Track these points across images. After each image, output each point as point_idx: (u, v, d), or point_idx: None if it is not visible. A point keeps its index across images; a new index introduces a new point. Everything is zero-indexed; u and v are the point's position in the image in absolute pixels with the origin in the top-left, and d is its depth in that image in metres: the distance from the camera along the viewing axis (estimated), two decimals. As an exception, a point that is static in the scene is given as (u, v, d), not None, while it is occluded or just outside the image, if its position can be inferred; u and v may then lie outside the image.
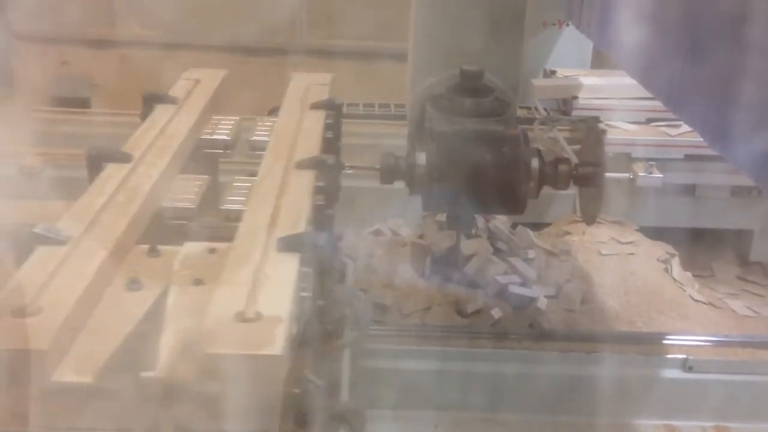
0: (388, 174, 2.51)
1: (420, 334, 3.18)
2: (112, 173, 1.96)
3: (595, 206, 2.56)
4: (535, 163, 2.46)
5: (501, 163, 2.42)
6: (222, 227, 1.90)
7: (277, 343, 1.35)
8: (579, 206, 2.71)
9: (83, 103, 5.09)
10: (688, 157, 3.96)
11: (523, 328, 3.25)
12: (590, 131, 2.67)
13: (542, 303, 3.34)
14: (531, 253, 3.59)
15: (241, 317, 1.42)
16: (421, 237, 3.64)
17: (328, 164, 2.07)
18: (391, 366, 3.02)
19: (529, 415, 3.10)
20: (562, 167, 2.51)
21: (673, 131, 4.02)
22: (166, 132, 2.25)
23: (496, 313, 3.27)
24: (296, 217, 1.79)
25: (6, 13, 4.80)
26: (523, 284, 3.41)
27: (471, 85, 2.60)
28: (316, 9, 5.21)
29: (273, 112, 4.28)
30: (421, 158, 2.46)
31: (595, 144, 2.59)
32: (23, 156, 3.75)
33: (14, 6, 4.90)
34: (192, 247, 1.75)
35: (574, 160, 3.94)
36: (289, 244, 1.64)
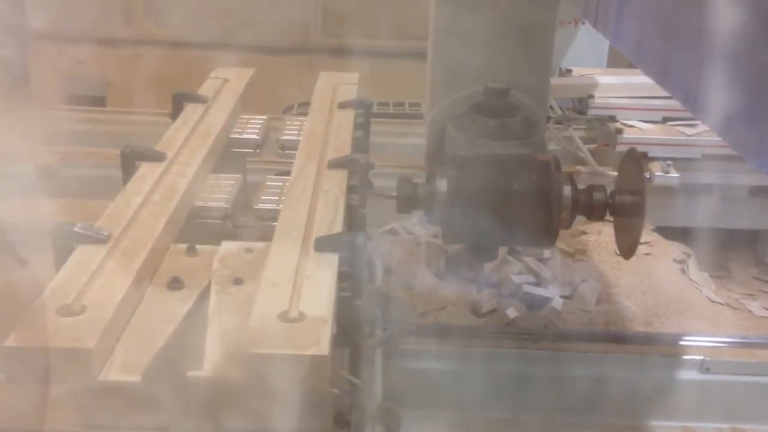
0: (406, 202, 2.30)
1: (434, 333, 3.17)
2: (147, 172, 1.98)
3: (634, 238, 2.31)
4: (567, 191, 2.26)
5: (530, 191, 2.22)
6: (256, 227, 1.92)
7: (322, 343, 1.36)
8: (615, 238, 2.44)
9: (99, 102, 5.11)
10: (706, 157, 3.94)
11: (539, 328, 3.23)
12: (628, 156, 2.39)
13: (558, 303, 3.32)
14: (546, 253, 3.57)
15: (285, 317, 1.43)
16: (436, 236, 3.63)
17: (360, 163, 2.07)
18: (403, 365, 3.01)
19: (545, 415, 3.08)
20: (597, 195, 2.30)
21: (690, 131, 4.00)
22: (197, 131, 2.27)
23: (511, 313, 3.25)
24: (332, 216, 1.81)
25: (23, 12, 4.82)
26: (538, 284, 3.40)
27: (496, 104, 2.41)
28: (330, 8, 5.21)
29: (288, 110, 4.31)
30: (441, 185, 2.25)
31: (634, 171, 2.34)
32: (39, 154, 3.76)
33: (30, 5, 4.93)
34: (229, 247, 1.76)
35: (590, 160, 3.98)
36: (327, 244, 1.65)
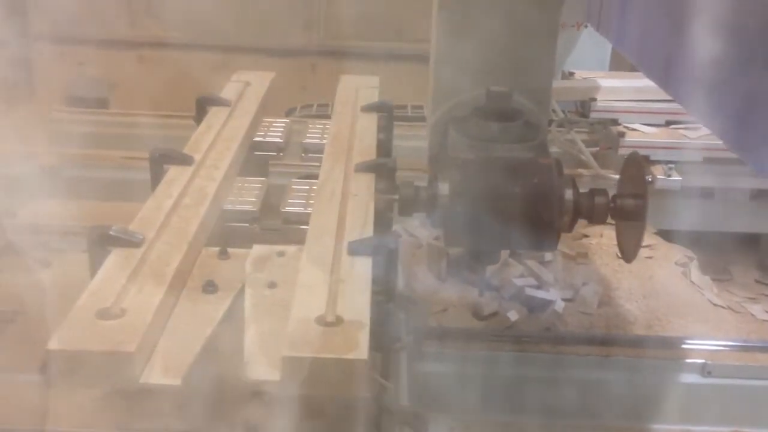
0: (408, 205, 2.30)
1: (436, 336, 3.17)
2: (176, 176, 1.98)
3: (636, 242, 2.31)
4: (569, 194, 2.26)
5: (532, 195, 2.22)
6: (283, 230, 1.92)
7: (361, 347, 1.37)
8: (617, 242, 2.44)
9: (101, 104, 5.12)
10: (707, 160, 3.94)
11: (540, 331, 3.23)
12: (630, 160, 2.40)
13: (559, 306, 3.32)
14: (548, 256, 3.57)
15: (323, 321, 1.43)
16: (437, 239, 3.64)
17: (387, 167, 2.07)
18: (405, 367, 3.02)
19: (546, 419, 3.08)
20: (599, 199, 2.30)
21: (692, 134, 3.99)
22: (222, 134, 2.28)
23: (513, 315, 3.25)
24: (363, 220, 1.81)
25: (25, 14, 4.83)
26: (539, 287, 3.40)
27: (498, 108, 2.41)
28: (333, 11, 5.22)
29: (291, 112, 4.31)
30: (444, 188, 2.26)
31: (636, 174, 2.34)
32: (42, 156, 3.77)
33: (33, 7, 4.94)
34: (261, 250, 1.77)
35: (592, 163, 3.98)
36: (361, 248, 1.66)
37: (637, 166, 2.36)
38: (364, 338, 1.39)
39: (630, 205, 2.31)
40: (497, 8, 2.52)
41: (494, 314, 3.29)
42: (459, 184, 2.26)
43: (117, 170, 3.68)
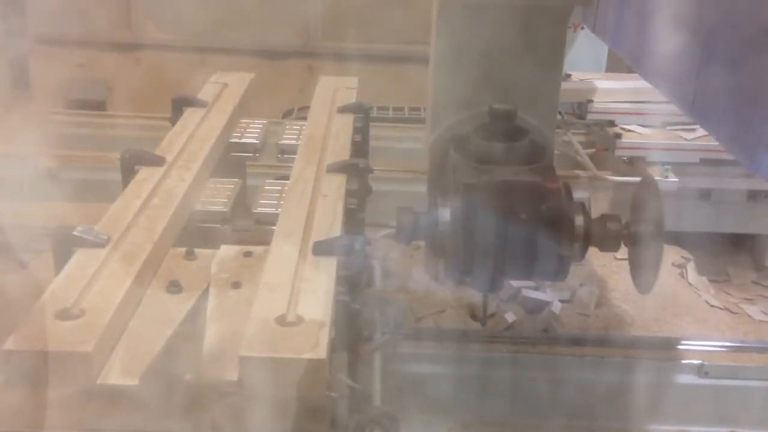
0: (406, 233, 2.17)
1: (433, 337, 3.18)
2: (146, 176, 1.98)
3: (651, 272, 2.14)
4: (579, 220, 2.12)
5: (539, 222, 2.08)
6: (254, 230, 1.92)
7: (320, 347, 1.36)
8: (630, 271, 2.26)
9: (99, 106, 5.12)
10: (704, 161, 3.94)
11: (537, 332, 3.24)
12: (644, 184, 2.25)
13: (556, 307, 3.33)
14: (545, 257, 3.57)
15: (283, 321, 1.43)
16: (435, 240, 3.64)
17: (359, 168, 2.06)
18: (402, 369, 3.02)
19: (543, 420, 3.08)
20: (612, 225, 2.15)
21: (689, 135, 4.00)
22: (196, 135, 2.28)
23: (510, 317, 3.26)
24: (331, 220, 1.81)
25: (24, 15, 4.83)
26: (537, 288, 3.40)
27: (502, 127, 2.26)
28: (330, 11, 5.22)
29: (288, 114, 4.32)
30: (445, 214, 2.13)
31: (650, 199, 2.16)
32: (40, 158, 3.77)
33: (31, 9, 4.94)
34: (228, 250, 1.77)
35: (589, 164, 3.98)
36: (326, 248, 1.66)
37: (650, 189, 2.20)
38: (323, 338, 1.38)
39: (645, 231, 2.16)
40: (501, 20, 2.37)
41: (492, 315, 3.29)
42: (461, 210, 2.12)
43: (113, 172, 3.67)
